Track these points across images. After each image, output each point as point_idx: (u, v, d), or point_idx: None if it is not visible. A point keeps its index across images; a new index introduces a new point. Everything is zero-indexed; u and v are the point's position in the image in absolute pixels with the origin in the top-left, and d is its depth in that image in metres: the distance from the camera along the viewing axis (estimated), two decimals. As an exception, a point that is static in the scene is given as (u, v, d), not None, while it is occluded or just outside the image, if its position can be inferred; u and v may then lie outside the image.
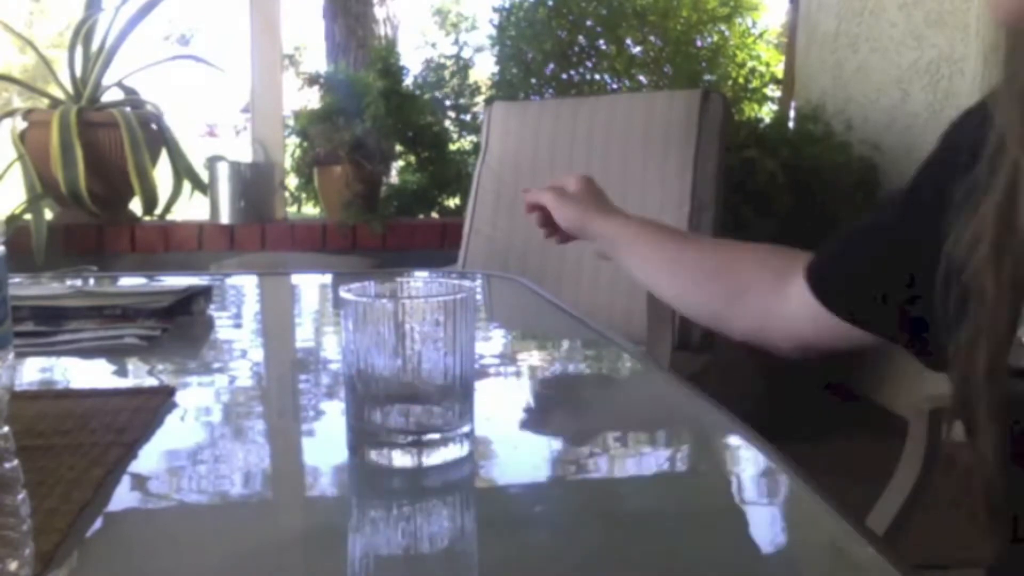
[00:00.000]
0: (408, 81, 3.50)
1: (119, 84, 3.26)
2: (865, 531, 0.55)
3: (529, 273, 2.21)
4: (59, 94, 3.18)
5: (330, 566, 0.51)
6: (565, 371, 1.01)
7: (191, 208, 3.40)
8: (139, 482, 0.61)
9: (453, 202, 3.57)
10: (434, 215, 3.54)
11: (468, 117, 3.74)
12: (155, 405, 0.74)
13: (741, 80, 3.73)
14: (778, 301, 0.79)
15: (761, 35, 3.82)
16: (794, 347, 0.80)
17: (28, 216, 2.93)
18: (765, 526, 0.57)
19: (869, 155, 3.29)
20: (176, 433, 0.71)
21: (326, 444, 0.72)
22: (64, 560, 0.48)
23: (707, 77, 3.65)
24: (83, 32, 3.15)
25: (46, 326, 1.00)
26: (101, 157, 3.01)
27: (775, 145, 3.18)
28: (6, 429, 0.44)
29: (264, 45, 3.37)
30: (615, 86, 3.68)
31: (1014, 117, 0.54)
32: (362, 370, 0.61)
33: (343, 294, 0.62)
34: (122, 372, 0.92)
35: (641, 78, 3.69)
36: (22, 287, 1.21)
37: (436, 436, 0.61)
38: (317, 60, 7.47)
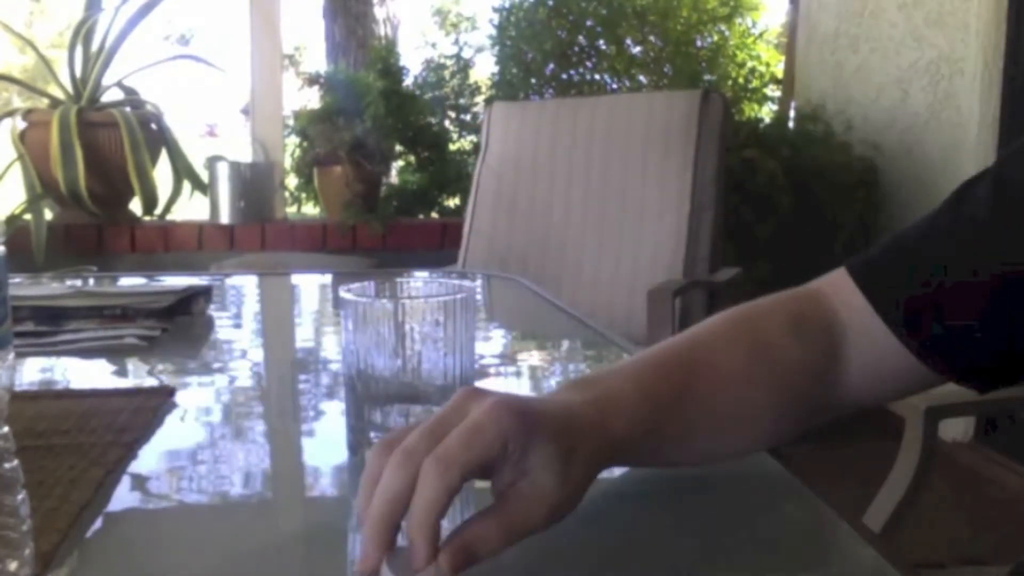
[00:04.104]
0: (408, 81, 3.50)
1: (119, 84, 3.26)
2: (865, 531, 0.55)
3: (529, 273, 2.21)
4: (59, 94, 3.18)
5: (330, 566, 0.51)
6: (565, 371, 1.01)
7: (191, 208, 3.40)
8: (139, 482, 0.61)
9: (453, 202, 3.58)
10: (434, 215, 3.55)
11: (468, 117, 3.74)
12: (155, 405, 0.74)
13: (741, 80, 3.73)
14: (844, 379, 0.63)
15: (761, 35, 3.82)
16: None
17: (28, 216, 2.93)
18: (765, 526, 0.57)
19: (869, 155, 3.30)
20: (176, 433, 0.71)
21: (326, 444, 0.72)
22: (64, 560, 0.48)
23: (707, 77, 3.66)
24: (83, 32, 3.15)
25: (46, 326, 1.00)
26: (101, 157, 3.01)
27: (775, 145, 3.18)
28: (6, 429, 0.44)
29: (264, 45, 3.37)
30: (615, 86, 3.69)
31: None
32: (362, 370, 0.61)
33: (343, 294, 0.62)
34: (122, 372, 0.92)
35: (641, 78, 3.70)
36: (22, 287, 1.21)
37: (436, 436, 0.61)
38: (317, 60, 7.47)
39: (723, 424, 0.59)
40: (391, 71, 3.39)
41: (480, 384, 0.71)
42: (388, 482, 0.46)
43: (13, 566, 0.43)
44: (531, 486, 0.47)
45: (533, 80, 3.63)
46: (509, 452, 0.47)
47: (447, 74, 3.73)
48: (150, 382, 0.89)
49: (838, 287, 0.64)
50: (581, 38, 3.66)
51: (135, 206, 3.21)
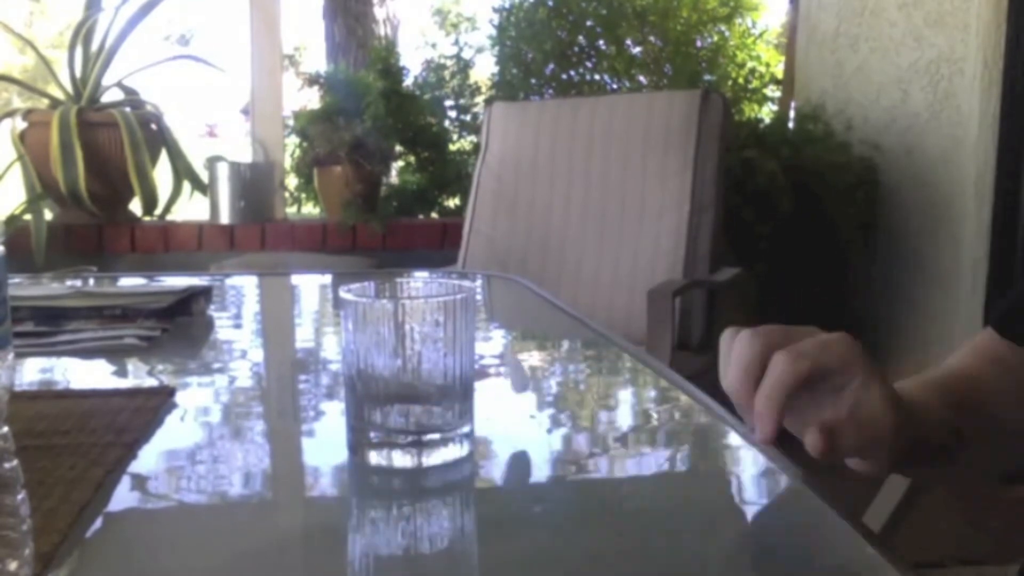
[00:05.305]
0: (408, 81, 3.50)
1: (119, 84, 3.26)
2: (865, 531, 0.55)
3: (529, 273, 2.21)
4: (59, 94, 3.18)
5: (330, 566, 0.51)
6: (565, 371, 1.01)
7: (191, 208, 3.40)
8: (139, 482, 0.61)
9: (453, 202, 3.57)
10: (434, 215, 3.55)
11: (468, 117, 3.74)
12: (155, 405, 0.74)
13: (741, 80, 3.73)
14: None
15: (761, 35, 3.82)
16: None
17: (28, 216, 2.93)
18: (765, 526, 0.57)
19: (869, 155, 3.29)
20: (176, 433, 0.71)
21: (326, 444, 0.72)
22: (64, 560, 0.48)
23: (707, 77, 3.65)
24: (83, 32, 3.15)
25: (46, 326, 1.00)
26: (101, 157, 3.01)
27: (775, 145, 3.18)
28: (6, 429, 0.44)
29: (264, 45, 3.37)
30: (615, 86, 3.68)
31: None
32: (362, 370, 0.61)
33: (343, 294, 0.62)
34: (122, 372, 0.92)
35: (641, 78, 3.70)
36: (22, 287, 1.21)
37: (436, 436, 0.61)
38: (317, 60, 7.47)
39: (999, 432, 0.67)
40: (391, 71, 3.39)
41: (480, 384, 0.71)
42: (740, 352, 0.56)
43: (13, 566, 0.43)
44: (871, 408, 0.55)
45: (533, 80, 3.63)
46: (848, 368, 0.55)
47: (447, 74, 3.73)
48: (150, 382, 0.89)
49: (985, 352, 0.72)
50: (581, 38, 3.66)
51: (135, 206, 3.21)
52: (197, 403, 0.80)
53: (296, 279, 1.72)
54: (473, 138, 3.65)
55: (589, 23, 3.64)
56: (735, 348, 0.57)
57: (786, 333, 0.56)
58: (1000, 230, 2.78)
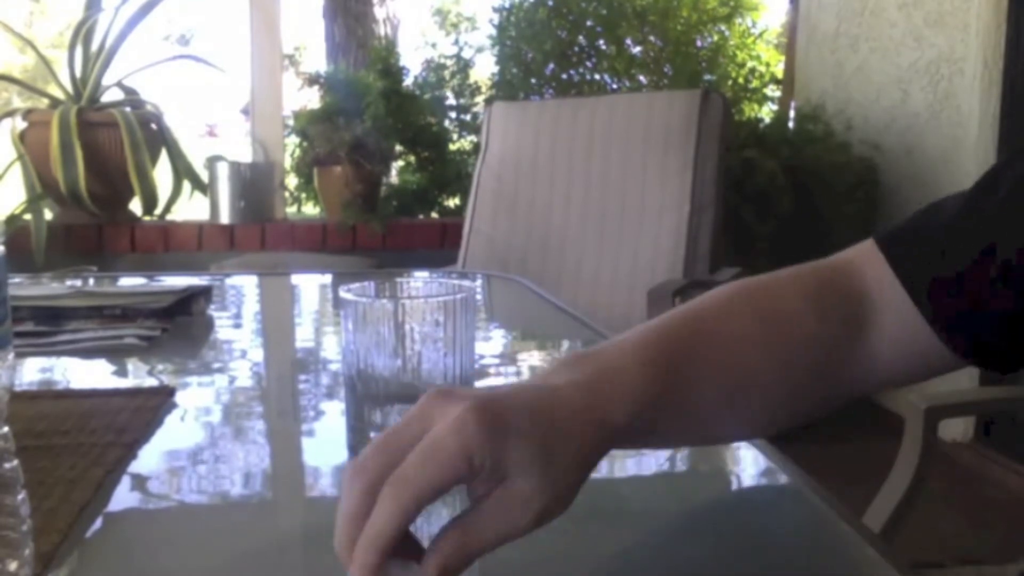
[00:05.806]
0: (408, 81, 3.50)
1: (119, 84, 3.26)
2: (864, 531, 0.55)
3: (529, 273, 2.21)
4: (59, 94, 3.18)
5: (330, 566, 0.51)
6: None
7: (191, 208, 3.40)
8: (139, 482, 0.61)
9: (453, 202, 3.58)
10: (434, 215, 3.55)
11: (468, 117, 3.74)
12: (155, 405, 0.74)
13: (741, 80, 3.73)
14: (867, 354, 0.58)
15: (761, 35, 3.82)
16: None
17: (28, 216, 2.93)
18: (765, 526, 0.57)
19: (869, 155, 3.30)
20: (176, 433, 0.71)
21: (326, 444, 0.72)
22: (64, 560, 0.48)
23: (707, 77, 3.66)
24: (83, 32, 3.15)
25: (46, 326, 1.00)
26: (101, 157, 3.01)
27: (775, 145, 3.18)
28: (6, 429, 0.44)
29: (264, 45, 3.37)
30: (615, 86, 3.69)
31: None
32: (362, 370, 0.61)
33: (343, 294, 0.62)
34: (122, 372, 0.92)
35: (641, 78, 3.70)
36: (22, 287, 1.21)
37: (436, 436, 0.61)
38: (317, 60, 7.47)
39: (732, 400, 0.54)
40: (391, 71, 3.39)
41: (480, 385, 0.71)
42: (344, 506, 0.43)
43: (13, 566, 0.43)
44: (509, 493, 0.42)
45: (533, 80, 3.63)
46: (476, 466, 0.41)
47: (447, 74, 3.73)
48: (150, 382, 0.89)
49: (867, 257, 0.60)
50: (581, 38, 3.66)
51: (135, 206, 3.21)
52: (197, 403, 0.80)
53: (296, 279, 1.72)
54: (473, 138, 3.65)
55: (589, 23, 3.65)
56: (342, 496, 0.43)
57: (397, 450, 0.42)
58: (1000, 230, 2.78)
